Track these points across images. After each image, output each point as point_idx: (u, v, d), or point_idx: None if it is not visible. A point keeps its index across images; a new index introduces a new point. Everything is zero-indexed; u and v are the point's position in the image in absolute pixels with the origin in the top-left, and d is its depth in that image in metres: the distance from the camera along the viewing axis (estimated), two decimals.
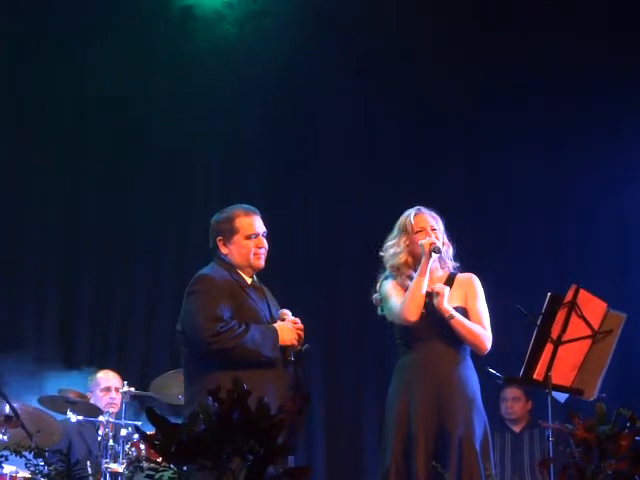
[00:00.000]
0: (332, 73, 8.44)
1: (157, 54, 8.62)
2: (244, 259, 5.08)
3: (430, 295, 5.51)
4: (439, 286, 5.51)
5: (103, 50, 8.36)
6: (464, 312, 5.52)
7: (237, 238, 5.09)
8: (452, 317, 5.44)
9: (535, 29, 8.45)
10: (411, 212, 5.64)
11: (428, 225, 5.60)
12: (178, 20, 8.57)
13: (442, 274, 5.65)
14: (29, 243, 8.20)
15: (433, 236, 5.54)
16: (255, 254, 5.09)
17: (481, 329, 5.49)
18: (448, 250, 5.64)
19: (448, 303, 5.49)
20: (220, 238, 5.10)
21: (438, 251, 5.49)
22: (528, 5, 8.50)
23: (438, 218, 5.66)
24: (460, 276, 5.65)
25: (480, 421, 5.42)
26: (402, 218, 5.66)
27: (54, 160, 8.33)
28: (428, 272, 5.50)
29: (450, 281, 5.62)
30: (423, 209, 5.67)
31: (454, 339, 5.47)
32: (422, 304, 5.50)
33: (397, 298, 5.56)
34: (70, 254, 8.28)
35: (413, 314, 5.48)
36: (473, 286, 5.62)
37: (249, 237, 5.09)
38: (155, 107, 8.47)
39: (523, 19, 8.48)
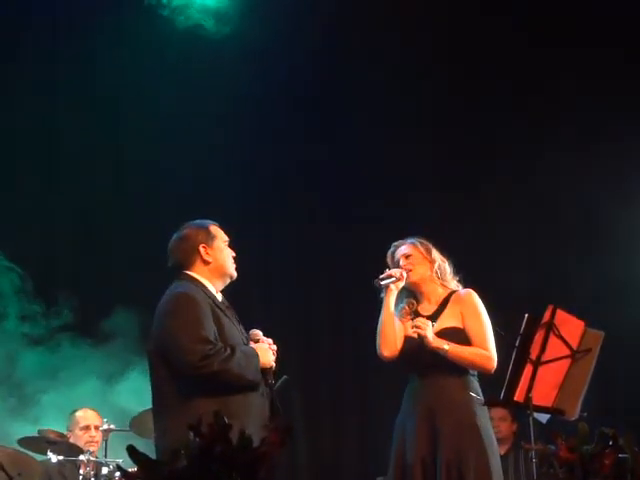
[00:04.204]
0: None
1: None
2: (226, 265, 4.98)
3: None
4: (419, 325, 5.53)
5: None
6: (458, 332, 5.54)
7: (218, 243, 4.99)
8: (446, 351, 5.46)
9: None
10: (388, 253, 5.80)
11: (400, 256, 5.72)
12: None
13: (442, 292, 5.70)
14: None
15: (404, 264, 5.68)
16: (232, 262, 5.04)
17: (479, 351, 5.51)
18: (440, 267, 5.71)
19: (442, 324, 5.55)
20: (203, 245, 4.94)
21: (378, 285, 5.61)
22: None
23: (416, 242, 5.73)
24: (456, 294, 5.69)
25: (477, 445, 5.37)
26: None
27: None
28: (392, 305, 5.63)
29: (447, 300, 5.65)
30: (397, 243, 5.81)
31: (450, 365, 5.48)
32: (392, 338, 5.59)
33: None
34: None
35: (385, 350, 5.62)
36: (469, 303, 5.63)
37: (225, 243, 5.03)
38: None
39: None
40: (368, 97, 8.73)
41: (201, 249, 4.93)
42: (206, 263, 4.94)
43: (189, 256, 4.94)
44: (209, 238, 4.96)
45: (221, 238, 5.01)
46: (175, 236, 5.03)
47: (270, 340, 4.97)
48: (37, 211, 8.43)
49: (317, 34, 8.73)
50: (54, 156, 8.71)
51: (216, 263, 4.95)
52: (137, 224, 8.39)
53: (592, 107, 8.46)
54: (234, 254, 5.04)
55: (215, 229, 5.03)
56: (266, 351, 4.88)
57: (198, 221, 5.06)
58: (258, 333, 4.99)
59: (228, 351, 4.67)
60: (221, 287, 4.99)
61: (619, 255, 8.39)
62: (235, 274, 5.02)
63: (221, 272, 4.97)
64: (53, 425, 7.21)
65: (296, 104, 8.79)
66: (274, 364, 4.90)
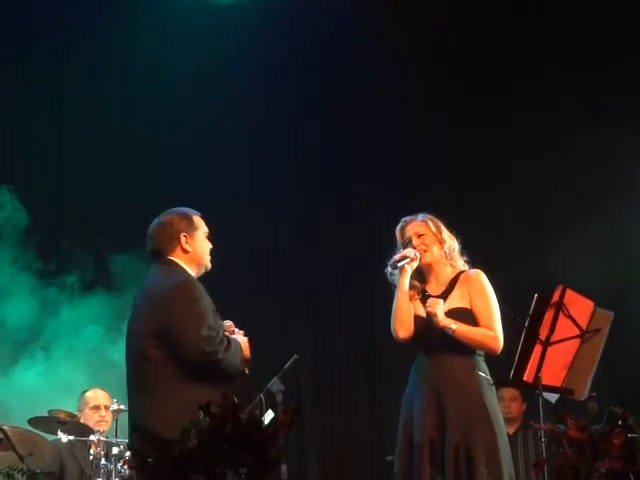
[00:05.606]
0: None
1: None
2: (203, 257, 4.97)
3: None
4: (430, 304, 5.54)
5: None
6: (466, 313, 5.55)
7: (199, 234, 4.97)
8: (454, 331, 5.47)
9: None
10: (397, 227, 5.75)
11: (413, 233, 5.67)
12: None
13: (450, 272, 5.69)
14: None
15: (417, 243, 5.64)
16: (209, 254, 5.03)
17: (486, 332, 5.52)
18: (450, 247, 5.70)
19: (450, 304, 5.55)
20: (185, 234, 4.91)
21: (394, 267, 5.60)
22: None
23: (428, 220, 5.71)
24: (465, 274, 5.68)
25: (485, 425, 5.39)
26: None
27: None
28: (406, 286, 5.60)
29: (455, 280, 5.65)
30: (407, 218, 5.76)
31: (458, 344, 5.49)
32: (408, 319, 5.58)
33: None
34: None
35: (401, 331, 5.60)
36: (476, 284, 5.63)
37: (205, 234, 5.02)
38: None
39: None
40: (368, 97, 8.74)
41: (182, 237, 4.91)
42: (185, 252, 4.92)
43: (169, 243, 4.92)
44: (191, 228, 4.94)
45: (202, 229, 5.00)
46: (156, 221, 5.00)
47: (242, 332, 5.00)
48: (37, 211, 8.40)
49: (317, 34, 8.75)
50: (54, 156, 8.70)
51: (194, 253, 4.93)
52: (137, 224, 8.37)
53: (592, 107, 8.48)
54: (211, 246, 5.03)
55: (198, 220, 5.01)
56: (245, 343, 4.93)
57: (180, 208, 5.04)
58: (232, 324, 5.03)
59: (226, 341, 4.73)
60: (197, 275, 4.99)
61: (619, 255, 8.40)
62: (209, 266, 5.02)
63: (197, 262, 4.96)
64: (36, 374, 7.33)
65: (293, 103, 8.79)
66: (249, 355, 4.92)
